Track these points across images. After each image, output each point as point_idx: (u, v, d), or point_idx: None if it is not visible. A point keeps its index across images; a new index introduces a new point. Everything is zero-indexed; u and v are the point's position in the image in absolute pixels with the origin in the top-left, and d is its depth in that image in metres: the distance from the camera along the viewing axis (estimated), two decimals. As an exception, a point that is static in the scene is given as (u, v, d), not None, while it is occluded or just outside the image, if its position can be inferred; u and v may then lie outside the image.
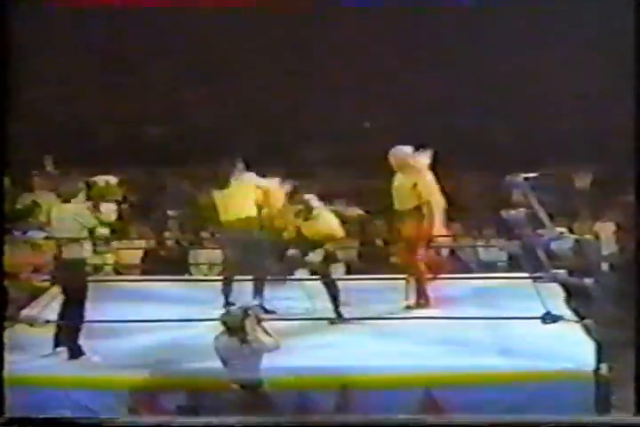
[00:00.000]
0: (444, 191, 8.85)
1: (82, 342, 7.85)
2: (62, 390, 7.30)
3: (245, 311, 7.29)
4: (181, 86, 13.32)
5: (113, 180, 8.70)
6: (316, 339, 7.96)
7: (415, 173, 8.74)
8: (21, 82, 12.93)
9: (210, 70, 13.27)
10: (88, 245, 8.07)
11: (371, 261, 10.97)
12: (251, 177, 8.88)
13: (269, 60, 13.15)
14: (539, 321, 7.75)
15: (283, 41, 13.10)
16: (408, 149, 8.80)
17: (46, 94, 13.18)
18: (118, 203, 8.63)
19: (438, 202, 8.85)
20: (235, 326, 7.20)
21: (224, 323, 7.26)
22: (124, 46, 13.28)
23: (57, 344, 7.91)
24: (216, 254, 10.53)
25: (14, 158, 12.32)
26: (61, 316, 7.95)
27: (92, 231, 8.04)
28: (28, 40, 12.49)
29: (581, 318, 7.90)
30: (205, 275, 10.85)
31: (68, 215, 8.08)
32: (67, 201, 8.18)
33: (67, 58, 13.19)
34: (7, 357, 7.47)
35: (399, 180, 8.77)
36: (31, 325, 8.10)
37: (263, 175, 8.98)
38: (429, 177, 8.83)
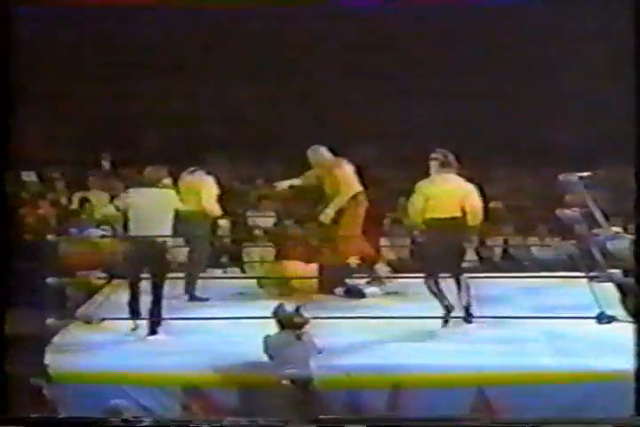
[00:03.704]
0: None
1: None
2: (117, 387, 7.36)
3: (298, 308, 7.35)
4: (233, 85, 13.37)
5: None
6: (367, 337, 7.93)
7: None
8: (69, 81, 13.14)
9: (261, 69, 13.31)
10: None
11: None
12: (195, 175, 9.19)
13: (320, 58, 13.18)
14: (593, 321, 7.70)
15: (331, 39, 13.13)
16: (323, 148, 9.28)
17: (96, 94, 13.30)
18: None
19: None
20: (287, 322, 7.26)
21: (276, 318, 7.31)
22: (175, 46, 13.36)
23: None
24: (268, 252, 10.60)
25: (69, 158, 12.53)
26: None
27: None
28: (78, 40, 12.68)
29: (636, 318, 7.82)
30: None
31: (154, 200, 8.18)
32: (149, 186, 8.29)
33: (118, 58, 13.30)
34: (62, 354, 7.63)
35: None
36: (87, 322, 8.20)
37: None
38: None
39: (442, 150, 8.36)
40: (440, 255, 8.22)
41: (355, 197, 9.18)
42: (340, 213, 9.18)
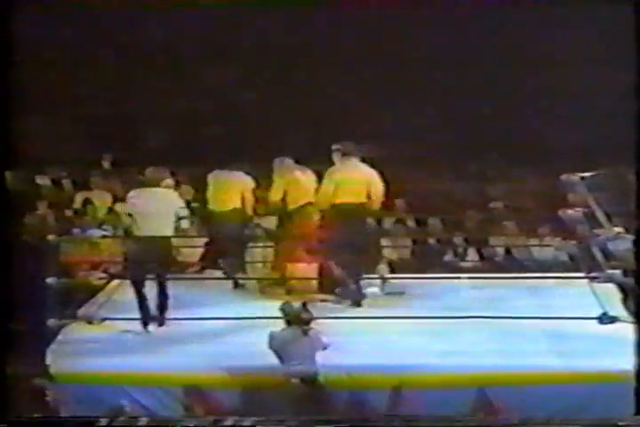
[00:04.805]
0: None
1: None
2: (118, 387, 7.38)
3: (305, 304, 7.36)
4: (236, 86, 13.39)
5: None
6: (369, 337, 7.94)
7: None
8: (74, 81, 13.15)
9: (261, 69, 13.33)
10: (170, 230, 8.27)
11: (424, 259, 10.98)
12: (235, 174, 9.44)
13: (320, 58, 13.19)
14: (594, 321, 7.70)
15: (331, 39, 13.15)
16: (289, 160, 9.29)
17: (101, 94, 13.32)
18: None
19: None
20: (294, 318, 7.28)
21: (283, 314, 7.33)
22: (179, 47, 13.38)
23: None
24: (268, 252, 10.59)
25: (70, 159, 12.54)
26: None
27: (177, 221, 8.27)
28: (79, 41, 12.68)
29: (637, 318, 7.82)
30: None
31: (159, 198, 8.25)
32: (152, 186, 8.34)
33: (124, 59, 13.32)
34: (64, 354, 7.63)
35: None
36: (89, 322, 8.20)
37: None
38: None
39: (343, 142, 8.82)
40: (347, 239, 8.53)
41: (304, 206, 9.07)
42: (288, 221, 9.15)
